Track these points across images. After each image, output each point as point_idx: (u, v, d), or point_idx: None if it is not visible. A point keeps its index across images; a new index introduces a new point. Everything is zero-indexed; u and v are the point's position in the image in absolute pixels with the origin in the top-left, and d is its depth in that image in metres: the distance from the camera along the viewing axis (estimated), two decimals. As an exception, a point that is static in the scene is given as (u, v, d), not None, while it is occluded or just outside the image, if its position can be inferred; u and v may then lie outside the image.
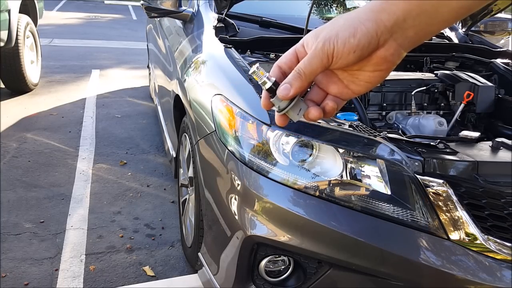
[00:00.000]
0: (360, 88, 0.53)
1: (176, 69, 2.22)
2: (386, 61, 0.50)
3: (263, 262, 1.31)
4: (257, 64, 0.52)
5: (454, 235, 1.15)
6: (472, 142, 1.39)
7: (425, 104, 1.91)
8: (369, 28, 0.47)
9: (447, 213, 1.16)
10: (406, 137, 1.42)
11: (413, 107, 1.84)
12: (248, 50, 1.97)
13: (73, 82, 4.93)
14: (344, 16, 0.50)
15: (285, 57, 0.53)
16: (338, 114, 1.48)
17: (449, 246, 1.15)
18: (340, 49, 0.48)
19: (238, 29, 2.12)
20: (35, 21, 4.59)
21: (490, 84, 1.82)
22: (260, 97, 0.55)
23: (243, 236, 1.28)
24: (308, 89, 0.55)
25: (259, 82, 0.53)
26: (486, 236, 1.16)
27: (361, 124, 1.40)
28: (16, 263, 1.94)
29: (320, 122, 1.31)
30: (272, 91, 0.53)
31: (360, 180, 1.21)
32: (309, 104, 0.54)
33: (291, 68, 0.52)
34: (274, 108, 0.54)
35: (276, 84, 0.52)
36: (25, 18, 4.14)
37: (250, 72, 0.52)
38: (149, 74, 4.31)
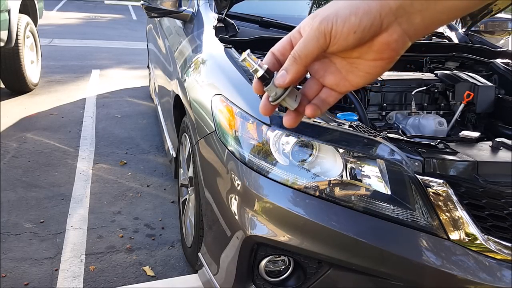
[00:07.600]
0: (359, 79, 0.48)
1: (176, 69, 2.22)
2: (389, 48, 0.45)
3: (263, 262, 1.31)
4: (248, 51, 0.49)
5: (454, 235, 1.15)
6: (472, 142, 1.39)
7: (425, 104, 1.91)
8: (372, 7, 0.43)
9: (447, 213, 1.16)
10: (406, 137, 1.42)
11: (413, 107, 1.83)
12: (248, 50, 1.96)
13: (73, 82, 4.92)
14: None
15: (280, 44, 0.50)
16: (338, 114, 1.48)
17: (449, 246, 1.15)
18: (339, 28, 0.43)
19: (238, 29, 2.12)
20: (35, 21, 4.59)
21: (490, 84, 1.82)
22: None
23: (243, 236, 1.28)
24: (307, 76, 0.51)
25: (251, 70, 0.48)
26: (486, 236, 1.16)
27: (361, 124, 1.40)
28: (16, 263, 1.94)
29: (320, 122, 1.31)
30: (264, 79, 0.48)
31: (360, 180, 1.21)
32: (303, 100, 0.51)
33: (284, 55, 0.48)
34: (270, 98, 0.49)
35: (268, 72, 0.48)
36: (25, 18, 4.13)
37: (240, 59, 0.47)
38: (149, 74, 4.31)
